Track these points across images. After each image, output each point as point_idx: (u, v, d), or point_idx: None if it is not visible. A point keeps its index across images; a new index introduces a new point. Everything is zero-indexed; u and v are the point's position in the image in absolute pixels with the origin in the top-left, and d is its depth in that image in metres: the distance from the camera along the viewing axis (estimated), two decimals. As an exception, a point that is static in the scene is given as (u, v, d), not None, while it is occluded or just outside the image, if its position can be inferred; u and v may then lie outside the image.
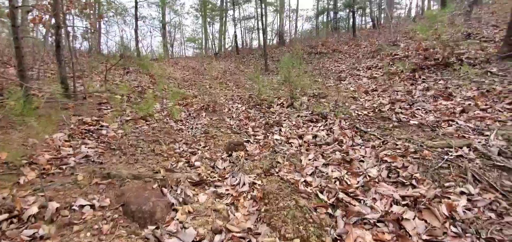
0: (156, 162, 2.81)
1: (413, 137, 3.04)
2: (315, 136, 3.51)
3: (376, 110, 4.16)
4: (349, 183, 2.35)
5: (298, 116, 4.37)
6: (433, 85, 4.74)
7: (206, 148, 3.35)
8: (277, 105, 5.11)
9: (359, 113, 4.12)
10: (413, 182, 2.20)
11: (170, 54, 22.33)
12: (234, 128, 4.08)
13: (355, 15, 14.77)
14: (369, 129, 3.46)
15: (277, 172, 2.63)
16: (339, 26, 21.95)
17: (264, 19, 14.17)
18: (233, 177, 2.59)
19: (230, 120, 4.50)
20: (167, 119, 4.39)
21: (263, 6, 17.34)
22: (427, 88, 4.69)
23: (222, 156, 3.05)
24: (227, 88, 7.79)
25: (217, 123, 4.30)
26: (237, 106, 5.39)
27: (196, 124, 4.25)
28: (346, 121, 3.85)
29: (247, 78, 8.77)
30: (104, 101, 4.84)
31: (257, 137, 3.69)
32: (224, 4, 20.16)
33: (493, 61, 4.94)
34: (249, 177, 2.54)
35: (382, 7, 19.96)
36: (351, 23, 22.21)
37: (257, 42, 21.42)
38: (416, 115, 3.67)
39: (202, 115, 4.70)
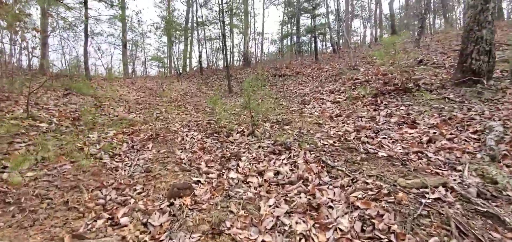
0: (63, 222, 2.07)
1: (384, 173, 2.72)
2: (277, 173, 3.04)
3: (342, 138, 3.87)
4: (317, 241, 1.88)
5: (259, 146, 3.89)
6: (395, 111, 4.65)
7: (143, 193, 2.67)
8: (237, 133, 4.60)
9: (325, 142, 3.78)
10: (392, 238, 1.80)
11: (131, 73, 21.00)
12: (185, 163, 3.45)
13: (317, 40, 15.23)
14: (336, 163, 3.09)
15: (228, 228, 2.06)
16: (302, 49, 22.77)
17: (227, 40, 13.91)
18: (170, 239, 1.97)
19: (181, 152, 3.86)
20: (101, 153, 3.61)
21: (228, 27, 17.24)
22: (390, 114, 4.57)
23: (161, 206, 2.41)
24: (185, 112, 7.12)
25: (164, 157, 3.63)
26: (192, 134, 4.77)
27: (138, 159, 3.54)
28: (311, 152, 3.46)
29: (208, 100, 8.19)
30: (21, 132, 3.91)
31: (210, 175, 3.10)
32: (190, 23, 19.68)
33: (448, 87, 5.05)
34: (191, 238, 1.94)
35: (341, 33, 21.19)
36: (313, 47, 23.17)
37: (223, 63, 21.21)
38: (384, 145, 3.42)
39: (148, 147, 3.99)
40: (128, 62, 20.00)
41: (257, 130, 4.47)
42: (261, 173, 3.10)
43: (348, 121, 4.69)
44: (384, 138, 3.65)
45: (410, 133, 3.62)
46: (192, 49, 21.71)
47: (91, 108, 5.94)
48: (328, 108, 5.84)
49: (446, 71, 6.40)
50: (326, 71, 9.44)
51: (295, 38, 22.48)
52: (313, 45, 23.74)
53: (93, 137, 4.26)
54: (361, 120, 4.63)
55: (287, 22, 24.00)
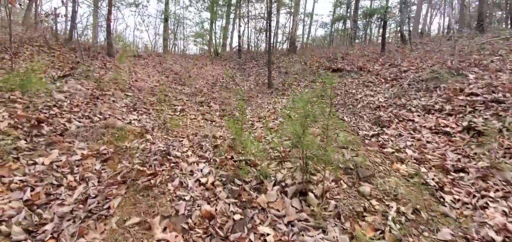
0: None
1: None
2: None
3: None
4: None
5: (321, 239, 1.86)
6: None
7: None
8: (273, 186, 2.60)
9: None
10: None
11: (172, 49, 20.11)
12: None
13: (386, 25, 12.19)
14: None
15: None
16: (357, 36, 19.53)
17: (272, 19, 11.65)
18: None
19: (164, 231, 2.01)
20: (14, 224, 1.92)
21: (275, 4, 14.88)
22: None
23: None
24: (205, 114, 5.31)
25: (126, 246, 1.82)
26: (201, 171, 2.91)
27: (70, 250, 1.77)
28: None
29: (240, 97, 6.27)
30: None
31: None
32: (232, -1, 17.73)
33: None
34: None
35: (407, 20, 17.35)
36: (374, 33, 19.70)
37: (265, 46, 19.11)
38: None
39: (111, 206, 2.22)
40: (168, 37, 18.96)
41: (312, 192, 2.41)
42: None
43: (491, 196, 2.37)
44: None
45: None
46: (234, 27, 19.85)
47: (81, 102, 4.41)
48: (428, 143, 3.48)
49: None
50: (406, 70, 6.77)
51: (349, 22, 19.28)
52: (369, 30, 20.26)
53: (39, 162, 2.63)
54: (526, 197, 2.28)
55: (343, 3, 20.67)
